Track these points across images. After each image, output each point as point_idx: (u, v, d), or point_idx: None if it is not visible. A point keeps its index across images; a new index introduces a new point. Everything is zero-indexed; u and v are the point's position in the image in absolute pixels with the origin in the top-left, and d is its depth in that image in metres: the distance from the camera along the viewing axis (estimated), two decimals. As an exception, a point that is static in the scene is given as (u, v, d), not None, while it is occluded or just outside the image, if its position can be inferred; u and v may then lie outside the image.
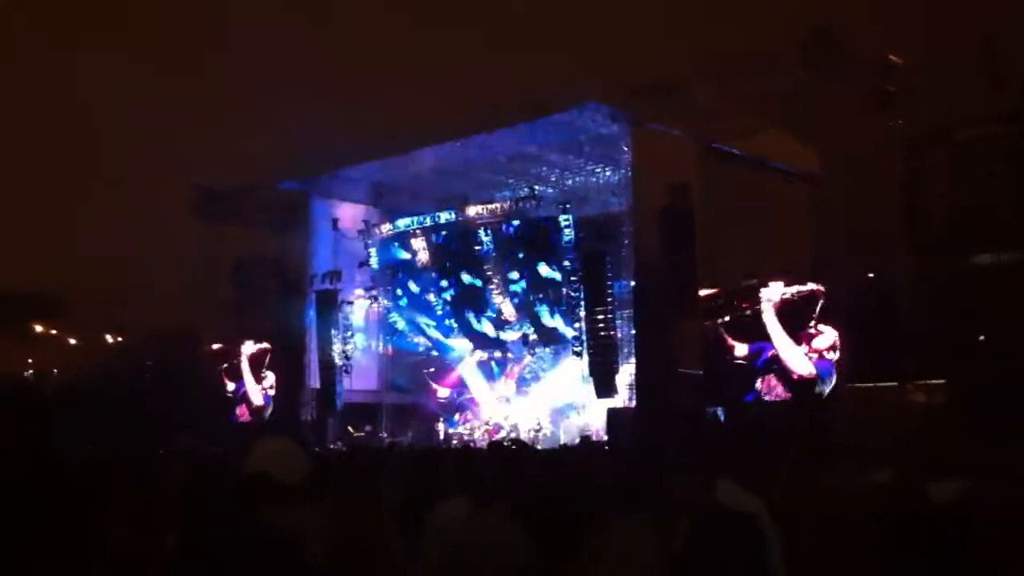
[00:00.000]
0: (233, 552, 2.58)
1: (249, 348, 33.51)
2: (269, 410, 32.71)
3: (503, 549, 5.01)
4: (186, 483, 6.24)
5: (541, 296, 28.68)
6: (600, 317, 25.39)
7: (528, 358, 30.53)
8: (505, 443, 18.54)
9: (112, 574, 4.24)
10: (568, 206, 27.23)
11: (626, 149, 25.35)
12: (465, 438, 28.68)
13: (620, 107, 24.80)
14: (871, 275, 22.78)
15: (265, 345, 33.12)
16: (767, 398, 23.05)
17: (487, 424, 29.21)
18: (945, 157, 22.30)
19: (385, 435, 30.57)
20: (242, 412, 33.63)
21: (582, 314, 26.16)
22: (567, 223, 26.79)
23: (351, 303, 31.78)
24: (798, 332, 22.36)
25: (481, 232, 28.76)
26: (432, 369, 32.60)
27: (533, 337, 29.50)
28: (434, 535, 5.09)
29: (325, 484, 4.71)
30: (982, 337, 20.51)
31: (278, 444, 3.78)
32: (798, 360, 22.38)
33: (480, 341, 31.01)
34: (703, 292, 23.48)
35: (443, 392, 31.93)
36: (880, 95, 22.07)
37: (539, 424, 28.20)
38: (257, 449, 3.69)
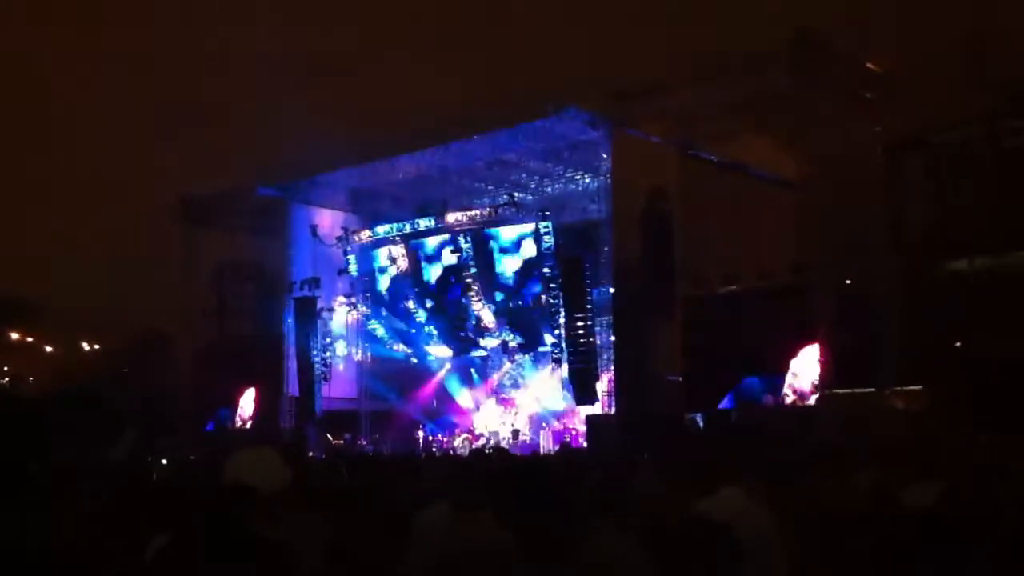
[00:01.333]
0: (211, 560, 2.56)
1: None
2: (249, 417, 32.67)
3: (488, 555, 5.00)
4: (170, 488, 6.21)
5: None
6: (580, 324, 25.40)
7: (508, 365, 30.53)
8: (487, 450, 18.55)
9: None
10: (547, 213, 27.25)
11: (605, 156, 25.39)
12: (445, 445, 28.60)
13: (599, 113, 24.85)
14: (848, 281, 22.88)
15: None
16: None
17: (467, 431, 29.15)
18: (924, 161, 22.41)
19: (365, 442, 30.48)
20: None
21: (562, 321, 26.15)
22: (546, 230, 26.79)
23: (330, 310, 31.66)
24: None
25: (461, 239, 28.73)
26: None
27: (513, 344, 29.48)
28: (419, 542, 5.08)
29: (308, 496, 4.68)
30: (958, 344, 20.61)
31: (258, 454, 3.74)
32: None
33: (459, 348, 30.98)
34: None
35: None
36: (859, 102, 22.20)
37: (518, 431, 28.18)
38: (237, 458, 3.66)
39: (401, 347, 32.28)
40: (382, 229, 30.68)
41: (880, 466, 7.57)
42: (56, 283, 37.79)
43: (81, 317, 39.99)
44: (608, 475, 7.36)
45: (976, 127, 21.75)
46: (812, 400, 22.53)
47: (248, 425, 32.92)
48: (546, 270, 27.06)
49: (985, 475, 7.26)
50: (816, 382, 22.59)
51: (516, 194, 28.86)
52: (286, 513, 3.52)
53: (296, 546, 3.10)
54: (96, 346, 43.28)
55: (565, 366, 26.30)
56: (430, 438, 29.74)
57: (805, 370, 23.12)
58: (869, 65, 22.54)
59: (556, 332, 26.73)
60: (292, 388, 31.25)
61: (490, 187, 30.74)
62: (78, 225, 39.51)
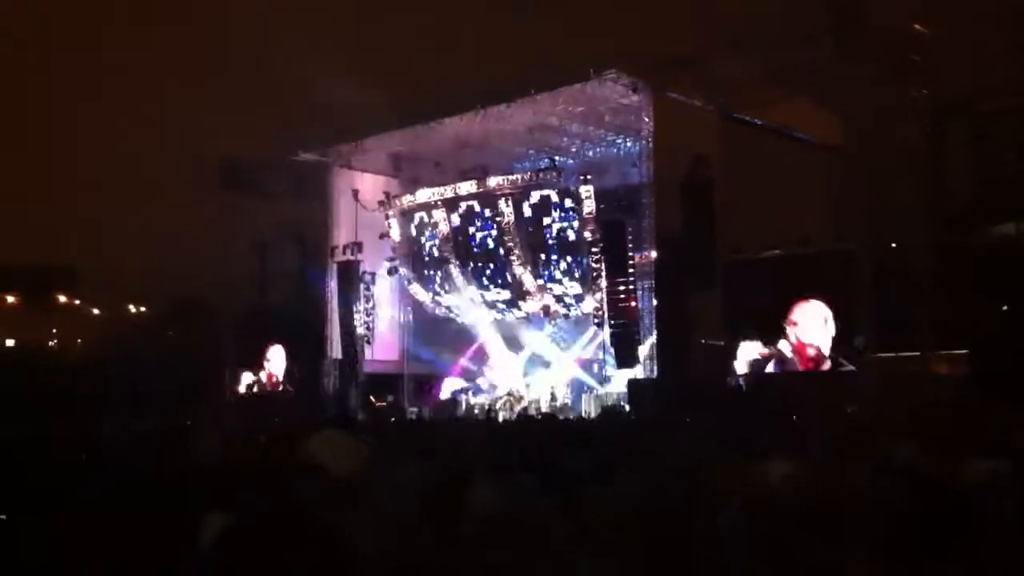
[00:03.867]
0: (280, 543, 2.63)
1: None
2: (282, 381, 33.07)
3: (534, 526, 5.07)
4: (223, 464, 6.32)
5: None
6: (621, 288, 25.39)
7: (549, 328, 30.58)
8: (537, 417, 18.71)
9: (146, 550, 4.33)
10: (589, 177, 27.17)
11: (647, 119, 25.32)
12: (487, 409, 28.78)
13: (641, 77, 24.71)
14: (894, 245, 22.72)
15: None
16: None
17: (509, 395, 29.29)
18: (968, 128, 22.13)
19: (408, 406, 30.74)
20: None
21: (603, 285, 26.14)
22: (587, 194, 26.73)
23: (372, 274, 31.86)
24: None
25: (502, 203, 28.72)
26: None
27: (554, 308, 29.49)
28: (466, 514, 5.15)
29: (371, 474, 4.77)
30: (1005, 308, 20.43)
31: (333, 437, 3.83)
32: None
33: (501, 312, 31.04)
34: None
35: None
36: (904, 65, 21.92)
37: (559, 395, 28.30)
38: (313, 442, 3.75)
39: (443, 310, 32.41)
40: (423, 193, 30.74)
41: (927, 440, 7.56)
42: (101, 248, 38.18)
43: (126, 282, 40.45)
44: (647, 441, 7.42)
45: (1021, 95, 21.43)
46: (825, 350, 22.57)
47: (279, 386, 33.21)
48: (587, 234, 27.02)
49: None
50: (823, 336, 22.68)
51: (557, 158, 28.84)
52: (352, 497, 3.62)
53: (361, 533, 3.18)
54: (142, 309, 43.84)
55: (607, 330, 26.33)
56: (472, 401, 29.95)
57: (809, 323, 23.05)
58: (917, 27, 22.22)
59: (598, 296, 26.72)
60: (335, 352, 31.57)
61: (531, 151, 30.74)
62: (121, 190, 39.85)
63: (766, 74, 22.77)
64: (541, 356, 30.71)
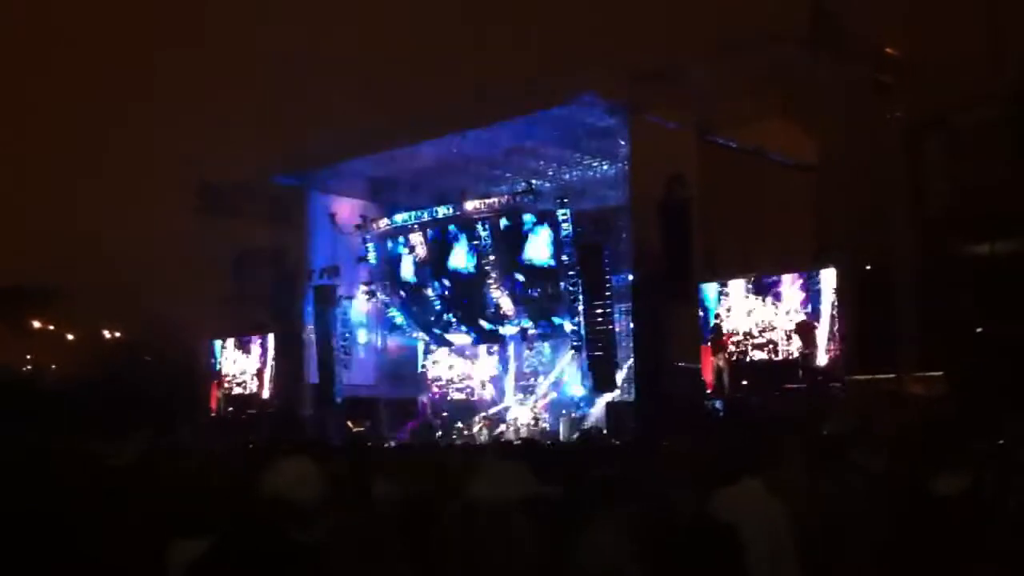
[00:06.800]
0: (252, 567, 2.59)
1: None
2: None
3: (517, 548, 5.03)
4: (199, 489, 6.25)
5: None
6: (599, 311, 25.40)
7: (526, 352, 30.54)
8: (515, 442, 18.61)
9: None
10: (566, 200, 27.19)
11: (623, 142, 25.40)
12: (465, 433, 28.69)
13: (617, 99, 24.77)
14: (868, 268, 22.79)
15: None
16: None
17: (487, 417, 29.22)
18: (945, 142, 22.23)
19: (385, 430, 30.59)
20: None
21: (580, 308, 26.14)
22: (564, 217, 26.74)
23: (349, 298, 31.79)
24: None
25: (479, 226, 28.69)
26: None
27: (531, 332, 29.45)
28: (443, 536, 5.11)
29: (339, 497, 4.73)
30: (980, 330, 20.49)
31: (294, 465, 3.79)
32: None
33: (478, 336, 31.00)
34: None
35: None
36: (876, 86, 22.05)
37: (537, 418, 28.24)
38: (274, 472, 3.71)
39: (420, 334, 32.34)
40: (400, 217, 30.69)
41: (904, 455, 7.57)
42: (76, 272, 37.92)
43: (102, 305, 40.17)
44: (618, 468, 7.37)
45: (998, 106, 21.56)
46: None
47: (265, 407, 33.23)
48: (565, 257, 27.01)
49: (1009, 463, 7.25)
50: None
51: (534, 181, 28.86)
52: (318, 520, 3.58)
53: (329, 552, 3.14)
54: (117, 334, 43.53)
55: (584, 353, 26.30)
56: (450, 422, 29.90)
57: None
58: (888, 50, 22.36)
59: (575, 319, 26.70)
60: (312, 375, 31.43)
61: (508, 175, 30.78)
62: (99, 213, 39.64)
63: (743, 89, 22.81)
64: (519, 379, 30.69)
